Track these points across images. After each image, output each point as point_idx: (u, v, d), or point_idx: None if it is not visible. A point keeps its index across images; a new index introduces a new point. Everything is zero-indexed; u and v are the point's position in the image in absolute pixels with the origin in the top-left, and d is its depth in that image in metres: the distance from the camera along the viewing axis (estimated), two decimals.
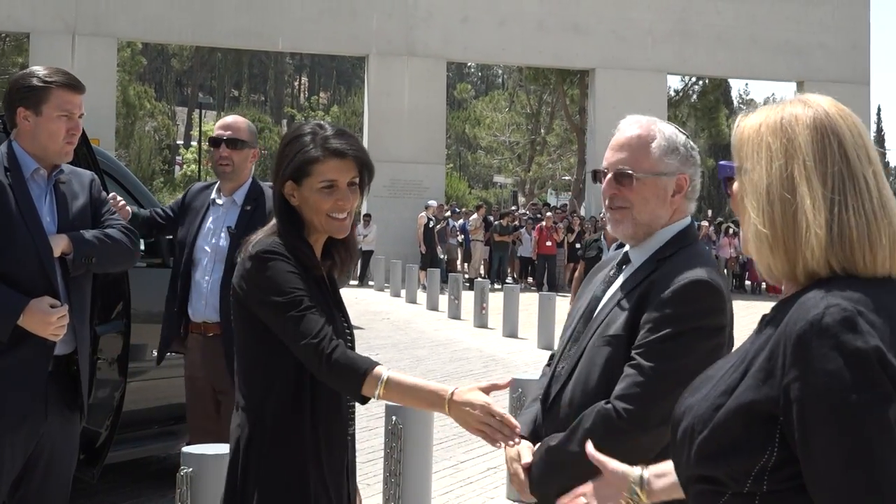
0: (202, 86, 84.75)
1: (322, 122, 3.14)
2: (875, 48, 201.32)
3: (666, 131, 2.95)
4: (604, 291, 3.01)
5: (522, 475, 2.89)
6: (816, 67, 32.63)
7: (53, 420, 4.08)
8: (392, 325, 18.84)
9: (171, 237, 5.92)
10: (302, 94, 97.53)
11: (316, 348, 2.87)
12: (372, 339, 16.47)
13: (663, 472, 2.31)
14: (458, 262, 28.60)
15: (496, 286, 25.13)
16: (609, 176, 2.96)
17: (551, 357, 3.21)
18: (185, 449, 4.56)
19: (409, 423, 5.90)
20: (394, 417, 5.92)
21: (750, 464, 1.80)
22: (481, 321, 18.80)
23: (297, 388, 2.97)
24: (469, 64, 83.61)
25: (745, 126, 1.97)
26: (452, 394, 2.87)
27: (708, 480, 1.87)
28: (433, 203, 27.89)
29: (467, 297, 20.36)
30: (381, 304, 22.65)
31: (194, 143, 61.14)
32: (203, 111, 53.10)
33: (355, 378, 2.87)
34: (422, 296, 22.75)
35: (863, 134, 1.92)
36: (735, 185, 1.99)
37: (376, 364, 2.90)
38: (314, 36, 30.69)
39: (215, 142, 5.50)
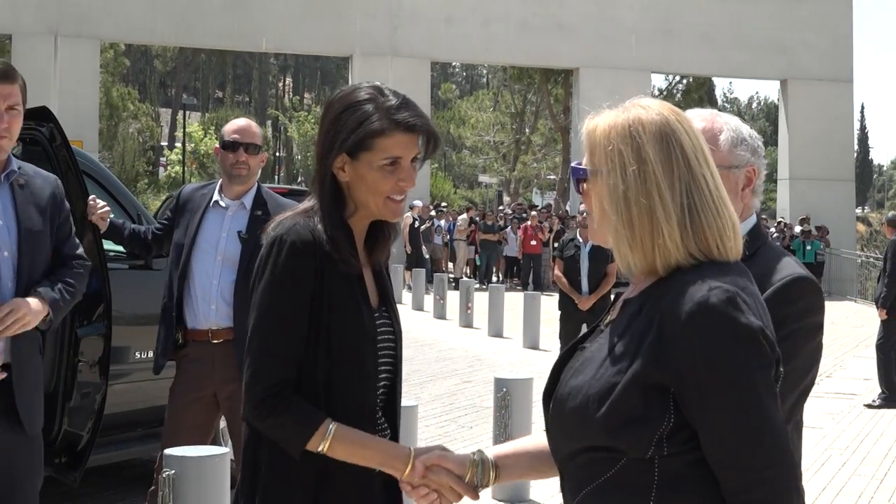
0: (186, 87, 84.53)
1: (381, 86, 2.74)
2: (858, 46, 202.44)
3: (731, 122, 2.82)
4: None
5: None
6: (800, 66, 32.71)
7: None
8: None
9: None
10: (286, 95, 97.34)
11: (265, 390, 2.56)
12: None
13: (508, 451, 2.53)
14: (444, 261, 28.58)
15: (482, 286, 25.14)
16: None
17: None
18: (168, 451, 4.50)
19: None
20: None
21: (651, 431, 2.00)
22: (467, 321, 18.79)
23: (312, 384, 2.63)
24: (454, 64, 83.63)
25: (594, 130, 2.13)
26: (413, 451, 2.56)
27: (600, 450, 2.04)
28: (418, 203, 27.87)
29: (453, 297, 20.36)
30: None
31: (178, 145, 61.03)
32: (187, 112, 53.00)
33: (302, 431, 2.56)
34: (407, 296, 22.73)
35: (699, 136, 2.11)
36: (586, 186, 2.16)
37: (325, 417, 2.57)
38: (298, 36, 30.65)
39: (232, 146, 5.33)
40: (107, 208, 5.25)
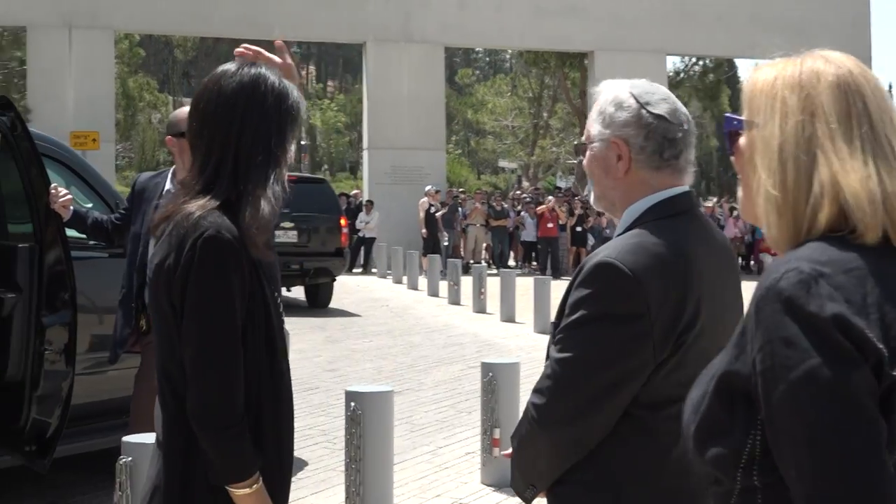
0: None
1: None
2: (876, 26, 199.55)
3: (606, 93, 2.65)
4: None
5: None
6: (817, 46, 32.06)
7: None
8: (390, 311, 18.80)
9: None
10: (309, 83, 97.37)
11: (222, 416, 2.49)
12: (368, 327, 16.47)
13: None
14: (461, 247, 28.53)
15: (495, 271, 25.09)
16: None
17: None
18: (126, 438, 4.50)
19: (368, 409, 5.85)
20: (352, 403, 5.86)
21: (735, 453, 1.63)
22: (480, 306, 18.73)
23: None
24: (477, 49, 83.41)
25: (758, 78, 1.82)
26: None
27: (716, 481, 1.69)
28: (432, 188, 27.80)
29: (467, 283, 20.31)
30: (383, 291, 22.62)
31: None
32: None
33: (244, 469, 2.51)
34: (424, 282, 22.70)
35: (886, 97, 1.77)
36: (742, 141, 1.82)
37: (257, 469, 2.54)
38: (311, 24, 30.63)
39: (181, 134, 5.24)
40: (69, 197, 5.24)
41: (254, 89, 2.61)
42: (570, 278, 2.61)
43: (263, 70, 2.67)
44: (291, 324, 16.23)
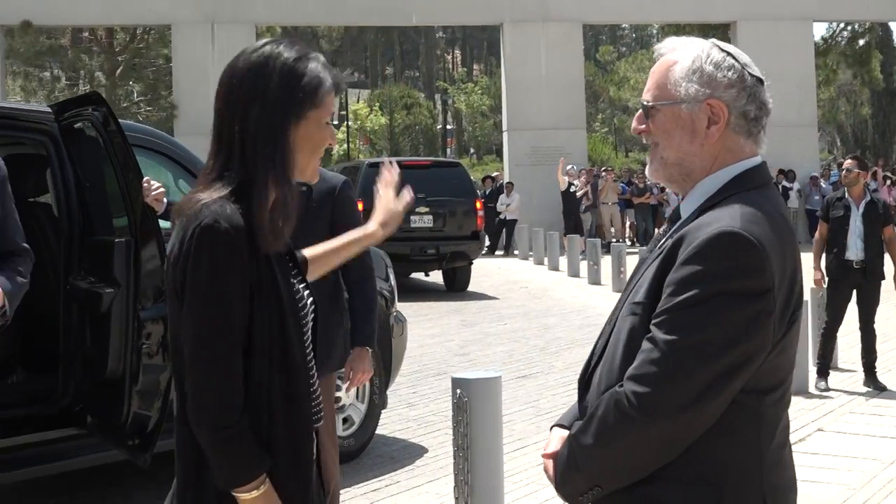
0: (356, 65, 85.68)
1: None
2: None
3: (694, 50, 2.42)
4: (651, 252, 2.49)
5: (550, 469, 2.42)
6: None
7: None
8: (528, 293, 18.68)
9: None
10: (455, 68, 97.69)
11: (217, 417, 2.40)
12: (504, 309, 16.38)
13: None
14: (604, 227, 28.18)
15: (636, 249, 24.71)
16: (640, 110, 2.51)
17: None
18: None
19: (474, 396, 5.73)
20: (458, 391, 5.76)
21: None
22: (619, 286, 18.42)
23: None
24: (623, 25, 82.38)
25: None
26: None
27: None
28: (573, 167, 27.47)
29: (608, 262, 20.03)
30: (524, 273, 22.49)
31: (349, 123, 61.99)
32: (358, 90, 53.80)
33: (245, 471, 2.42)
34: (565, 263, 22.49)
35: None
36: None
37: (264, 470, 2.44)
38: (447, 8, 30.60)
39: None
40: (161, 190, 5.25)
41: (260, 69, 2.49)
42: None
43: (281, 47, 2.53)
44: (428, 308, 16.36)
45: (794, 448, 2.37)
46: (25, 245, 4.01)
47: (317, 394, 2.62)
